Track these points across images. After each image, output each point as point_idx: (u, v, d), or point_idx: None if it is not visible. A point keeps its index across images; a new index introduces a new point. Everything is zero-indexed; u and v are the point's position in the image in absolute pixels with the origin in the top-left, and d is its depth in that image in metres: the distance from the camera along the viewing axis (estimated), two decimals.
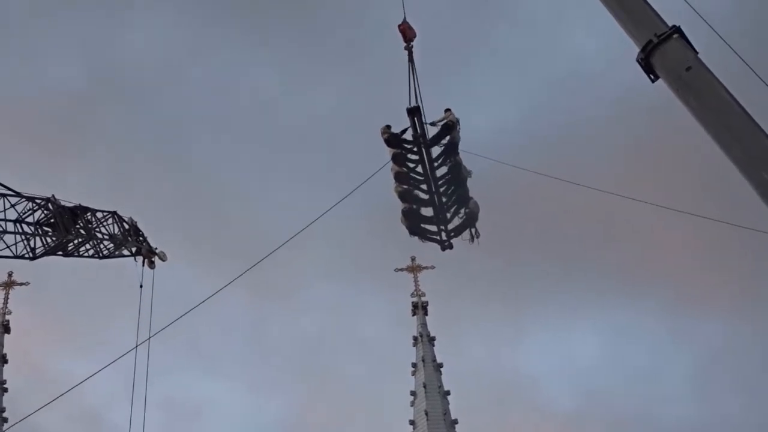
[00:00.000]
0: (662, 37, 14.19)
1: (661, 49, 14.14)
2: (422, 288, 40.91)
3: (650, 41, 14.20)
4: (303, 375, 61.07)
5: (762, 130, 13.55)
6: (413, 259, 40.60)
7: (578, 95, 66.91)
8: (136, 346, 29.24)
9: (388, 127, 28.15)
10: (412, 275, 40.88)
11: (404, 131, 28.15)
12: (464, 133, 28.19)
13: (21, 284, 40.15)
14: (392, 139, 28.06)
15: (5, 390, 38.08)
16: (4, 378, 38.39)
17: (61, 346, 58.77)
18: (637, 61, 14.37)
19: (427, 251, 31.72)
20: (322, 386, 59.94)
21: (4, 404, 37.65)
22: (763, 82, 14.22)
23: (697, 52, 14.28)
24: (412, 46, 27.92)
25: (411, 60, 27.79)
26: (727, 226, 24.76)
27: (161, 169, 69.91)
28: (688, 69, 14.00)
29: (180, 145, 70.65)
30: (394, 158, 28.07)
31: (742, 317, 58.48)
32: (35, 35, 73.57)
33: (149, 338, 29.18)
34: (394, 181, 28.08)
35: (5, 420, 37.13)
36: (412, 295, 40.95)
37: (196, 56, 75.06)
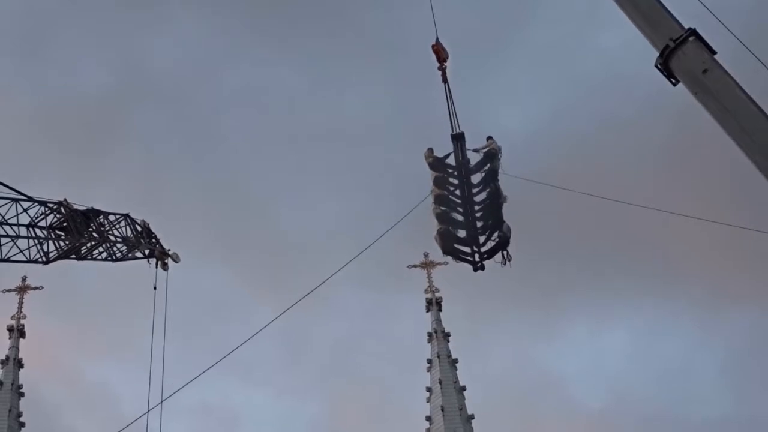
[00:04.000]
0: (678, 40, 14.11)
1: (678, 53, 14.05)
2: (436, 284, 40.88)
3: (667, 46, 14.11)
4: (331, 378, 61.20)
5: None
6: (426, 255, 40.51)
7: (609, 97, 66.49)
8: (149, 407, 28.94)
9: (431, 150, 29.11)
10: (425, 271, 40.81)
11: (447, 156, 29.21)
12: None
13: (35, 288, 40.14)
14: (436, 164, 28.85)
15: (22, 394, 38.08)
16: (21, 383, 38.40)
17: (78, 350, 58.92)
18: (656, 66, 14.30)
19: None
20: (350, 388, 60.02)
21: (21, 408, 37.66)
22: None
23: (714, 53, 14.17)
24: (445, 67, 28.56)
25: (445, 80, 28.46)
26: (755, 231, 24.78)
27: (191, 171, 70.17)
28: (705, 71, 13.92)
29: (210, 148, 70.83)
30: (436, 181, 29.08)
31: None
32: (67, 39, 73.89)
33: (161, 402, 28.93)
34: (432, 203, 28.89)
35: (23, 425, 37.20)
36: (426, 291, 40.88)
37: (226, 59, 75.26)
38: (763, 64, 14.48)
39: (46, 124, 65.76)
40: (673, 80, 14.29)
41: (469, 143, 29.23)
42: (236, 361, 28.86)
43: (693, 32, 14.21)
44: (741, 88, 13.84)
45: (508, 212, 29.17)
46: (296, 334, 58.98)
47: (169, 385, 29.54)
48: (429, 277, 40.93)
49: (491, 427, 38.68)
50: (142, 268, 32.45)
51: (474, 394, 38.98)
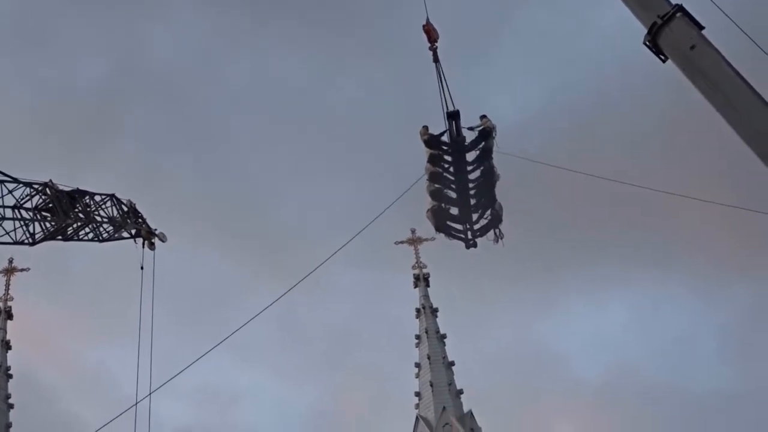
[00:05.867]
0: (665, 17, 14.09)
1: (666, 30, 14.05)
2: (424, 260, 40.92)
3: (655, 23, 14.10)
4: (327, 359, 61.53)
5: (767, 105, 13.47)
6: (413, 231, 40.55)
7: (604, 76, 66.45)
8: (137, 398, 28.71)
9: (427, 128, 29.19)
10: (412, 248, 40.83)
11: (442, 134, 29.43)
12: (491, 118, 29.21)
13: (22, 270, 40.03)
14: (431, 141, 28.94)
15: (10, 376, 38.04)
16: (9, 364, 38.34)
17: (67, 331, 58.93)
18: (644, 43, 14.29)
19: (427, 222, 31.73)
20: (345, 369, 60.33)
21: (10, 390, 37.64)
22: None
23: (702, 28, 14.15)
24: (436, 47, 28.72)
25: (437, 60, 28.63)
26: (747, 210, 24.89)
27: (189, 160, 70.32)
28: (692, 47, 13.91)
29: (207, 137, 70.94)
30: (431, 159, 29.31)
31: None
32: (65, 30, 73.66)
33: (149, 394, 28.64)
34: (427, 180, 28.99)
35: (11, 406, 37.18)
36: (413, 267, 40.89)
37: (223, 50, 75.30)
38: (751, 39, 14.50)
39: (43, 115, 65.79)
40: (662, 57, 14.30)
41: (464, 123, 29.40)
42: (234, 345, 28.83)
43: (680, 8, 14.20)
44: (728, 64, 13.83)
45: (503, 189, 29.46)
46: (291, 317, 59.24)
47: (166, 365, 29.50)
48: (416, 253, 41.01)
49: (482, 402, 38.83)
50: (130, 248, 32.37)
51: (464, 369, 39.15)
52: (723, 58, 13.93)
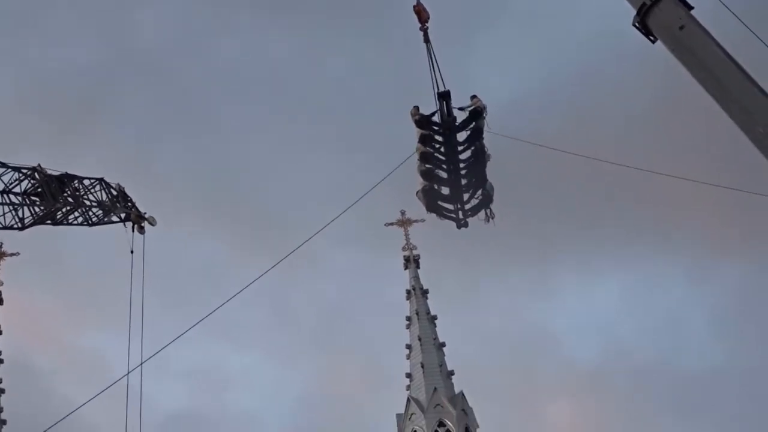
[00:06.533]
0: None
1: (655, 10, 14.05)
2: (414, 242, 40.95)
3: (644, 4, 14.10)
4: (318, 339, 61.67)
5: (756, 85, 13.52)
6: (403, 213, 40.53)
7: (597, 56, 66.34)
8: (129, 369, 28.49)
9: (417, 108, 29.22)
10: (402, 229, 40.83)
11: (433, 114, 29.25)
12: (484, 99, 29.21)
13: (11, 255, 39.84)
14: (422, 121, 28.96)
15: (1, 361, 37.92)
16: (0, 349, 38.25)
17: (57, 315, 58.90)
18: (634, 24, 14.28)
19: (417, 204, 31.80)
20: (336, 349, 60.48)
21: (1, 375, 37.55)
22: (759, 39, 14.10)
23: (691, 8, 14.16)
24: (427, 27, 28.73)
25: (427, 40, 28.64)
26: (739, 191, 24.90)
27: (179, 142, 70.18)
28: (681, 27, 13.91)
29: (197, 117, 70.82)
30: (422, 139, 29.21)
31: (764, 264, 58.76)
32: (53, 11, 73.22)
33: (141, 364, 28.49)
34: (417, 160, 28.98)
35: (2, 391, 37.10)
36: (404, 249, 40.89)
37: (213, 31, 75.12)
38: (739, 19, 14.52)
39: (31, 99, 65.67)
40: (652, 38, 14.30)
41: (455, 103, 29.37)
42: (225, 326, 28.80)
43: None
44: (717, 44, 13.85)
45: (494, 169, 29.46)
46: (281, 299, 59.37)
47: (157, 347, 29.43)
48: (406, 234, 41.00)
49: (473, 383, 38.94)
50: (120, 232, 32.34)
51: (455, 351, 39.24)
52: (712, 38, 13.95)
